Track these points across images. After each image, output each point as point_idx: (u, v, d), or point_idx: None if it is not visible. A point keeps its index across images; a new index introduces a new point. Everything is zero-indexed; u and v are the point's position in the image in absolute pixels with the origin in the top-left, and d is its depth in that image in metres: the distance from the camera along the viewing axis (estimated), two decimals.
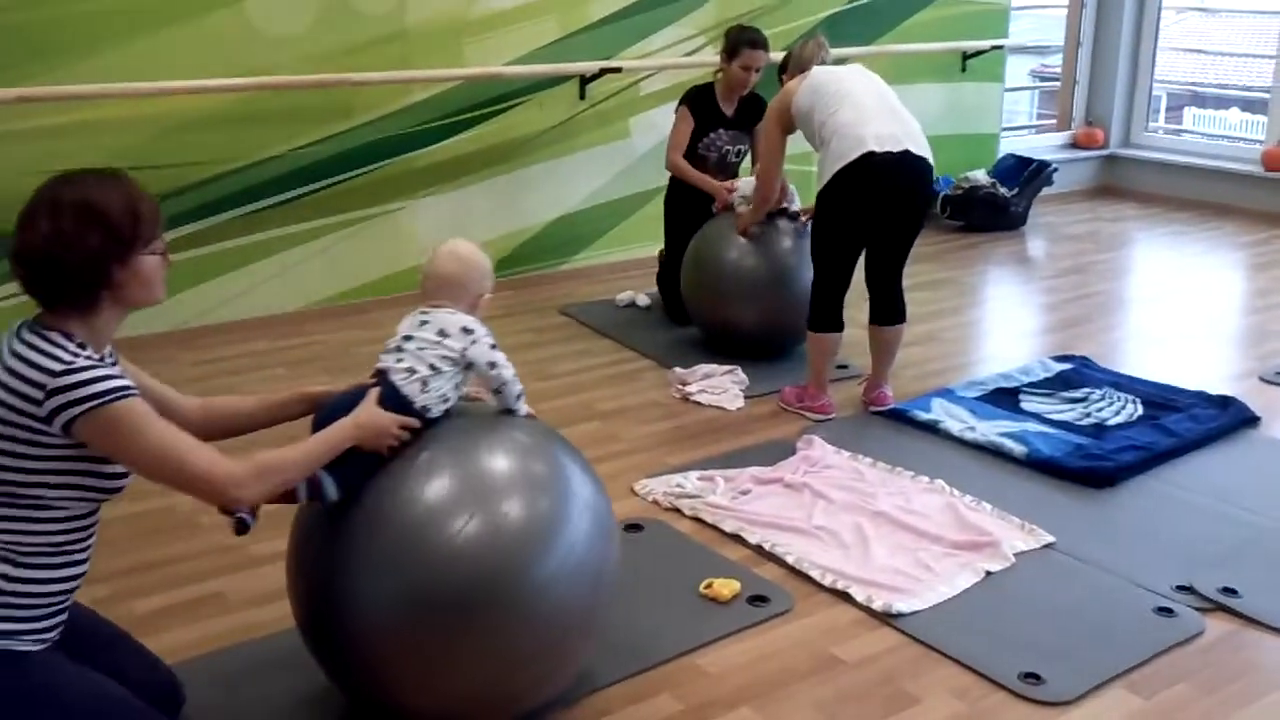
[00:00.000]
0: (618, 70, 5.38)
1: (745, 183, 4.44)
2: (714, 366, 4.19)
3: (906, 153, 3.60)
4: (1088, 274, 5.78)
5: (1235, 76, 11.22)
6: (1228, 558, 2.94)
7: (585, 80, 5.36)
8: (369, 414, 2.08)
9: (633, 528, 3.07)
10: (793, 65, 4.01)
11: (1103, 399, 3.97)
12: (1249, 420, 3.82)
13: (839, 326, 3.83)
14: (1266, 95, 7.14)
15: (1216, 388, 4.07)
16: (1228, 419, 3.79)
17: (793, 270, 4.23)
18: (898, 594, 2.73)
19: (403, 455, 2.12)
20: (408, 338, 2.19)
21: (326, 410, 2.13)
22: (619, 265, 5.62)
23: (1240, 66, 10.81)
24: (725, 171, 4.72)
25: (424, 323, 2.21)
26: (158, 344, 4.43)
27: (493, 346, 2.24)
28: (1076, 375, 4.21)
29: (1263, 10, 7.47)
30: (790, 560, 2.90)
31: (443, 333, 2.19)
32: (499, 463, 2.15)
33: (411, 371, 2.14)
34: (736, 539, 3.03)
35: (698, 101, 4.65)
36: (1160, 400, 3.94)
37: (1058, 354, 4.46)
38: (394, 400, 2.12)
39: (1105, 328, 4.95)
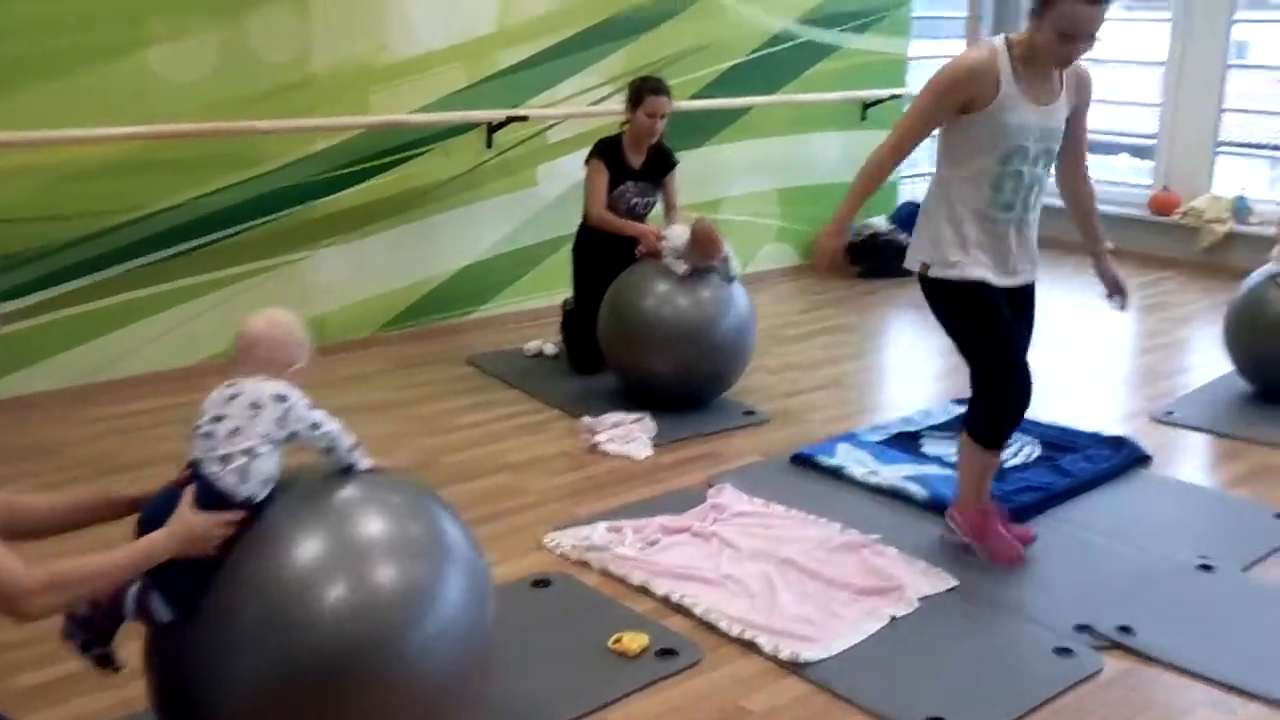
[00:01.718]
0: (524, 119, 5.40)
1: (674, 232, 4.41)
2: (622, 415, 4.20)
3: None
4: None
5: (1124, 124, 11.63)
6: (1124, 596, 3.01)
7: (492, 128, 5.37)
8: (183, 521, 1.95)
9: (541, 583, 3.04)
10: None
11: None
12: (1141, 459, 3.94)
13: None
14: (1153, 142, 7.43)
15: (1110, 428, 4.20)
16: (1121, 459, 3.91)
17: (711, 321, 4.25)
18: (804, 642, 2.75)
19: (269, 521, 2.03)
20: (217, 418, 2.04)
21: (149, 513, 2.01)
22: (527, 314, 5.61)
23: (1128, 114, 11.21)
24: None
25: (232, 397, 2.07)
26: (48, 403, 4.30)
27: (311, 407, 2.11)
28: None
29: (1148, 61, 7.78)
30: (698, 611, 2.90)
31: (255, 405, 2.05)
32: (370, 527, 2.06)
33: (226, 460, 2.00)
34: (644, 591, 3.02)
35: (607, 154, 4.68)
36: (1056, 441, 4.05)
37: (958, 397, 4.55)
38: (211, 497, 1.99)
39: None
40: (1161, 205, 7.15)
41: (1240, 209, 6.85)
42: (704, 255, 4.27)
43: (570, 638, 2.78)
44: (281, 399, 2.08)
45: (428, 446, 4.04)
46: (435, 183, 5.30)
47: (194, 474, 2.04)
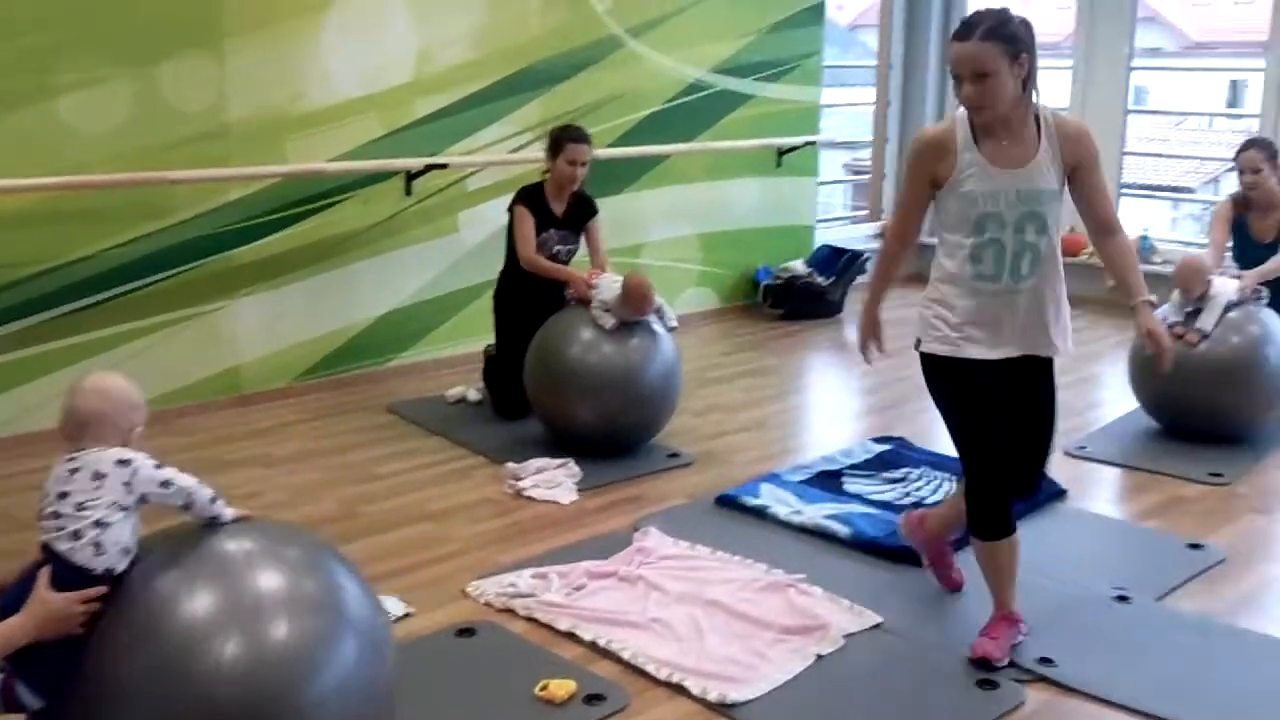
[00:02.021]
0: (444, 166, 5.40)
1: (605, 282, 4.35)
2: (547, 460, 4.19)
3: None
4: (903, 357, 5.95)
5: None
6: (1044, 628, 3.05)
7: (411, 176, 5.36)
8: (40, 604, 1.92)
9: (465, 632, 3.01)
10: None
11: (921, 478, 4.13)
12: (1057, 494, 4.02)
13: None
14: None
15: None
16: (1038, 494, 3.97)
17: (638, 369, 4.24)
18: (732, 683, 2.75)
19: (160, 577, 1.99)
20: (62, 495, 2.01)
21: (6, 602, 1.97)
22: (449, 360, 5.58)
23: None
24: None
25: (74, 471, 2.03)
26: None
27: (157, 466, 2.08)
28: (895, 456, 4.36)
29: (1053, 106, 8.03)
30: (626, 655, 2.89)
31: (98, 475, 2.02)
32: (263, 582, 2.03)
33: (77, 536, 1.97)
34: (571, 637, 3.00)
35: (530, 200, 4.69)
36: None
37: (877, 435, 4.62)
38: (68, 575, 1.96)
39: (921, 409, 5.14)
40: (1070, 246, 7.34)
41: (1144, 249, 7.07)
42: (635, 310, 4.26)
43: (496, 687, 2.75)
44: (124, 463, 2.04)
45: (348, 496, 3.98)
46: (354, 231, 5.27)
47: (47, 555, 2.00)
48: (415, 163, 5.33)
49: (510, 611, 3.14)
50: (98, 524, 1.99)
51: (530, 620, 3.10)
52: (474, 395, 5.03)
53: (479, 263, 5.49)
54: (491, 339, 4.96)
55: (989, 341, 2.87)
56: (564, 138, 4.66)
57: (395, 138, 5.30)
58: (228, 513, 2.13)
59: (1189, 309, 4.53)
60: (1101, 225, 2.94)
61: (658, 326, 4.34)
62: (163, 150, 4.62)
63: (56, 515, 2.00)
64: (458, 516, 3.84)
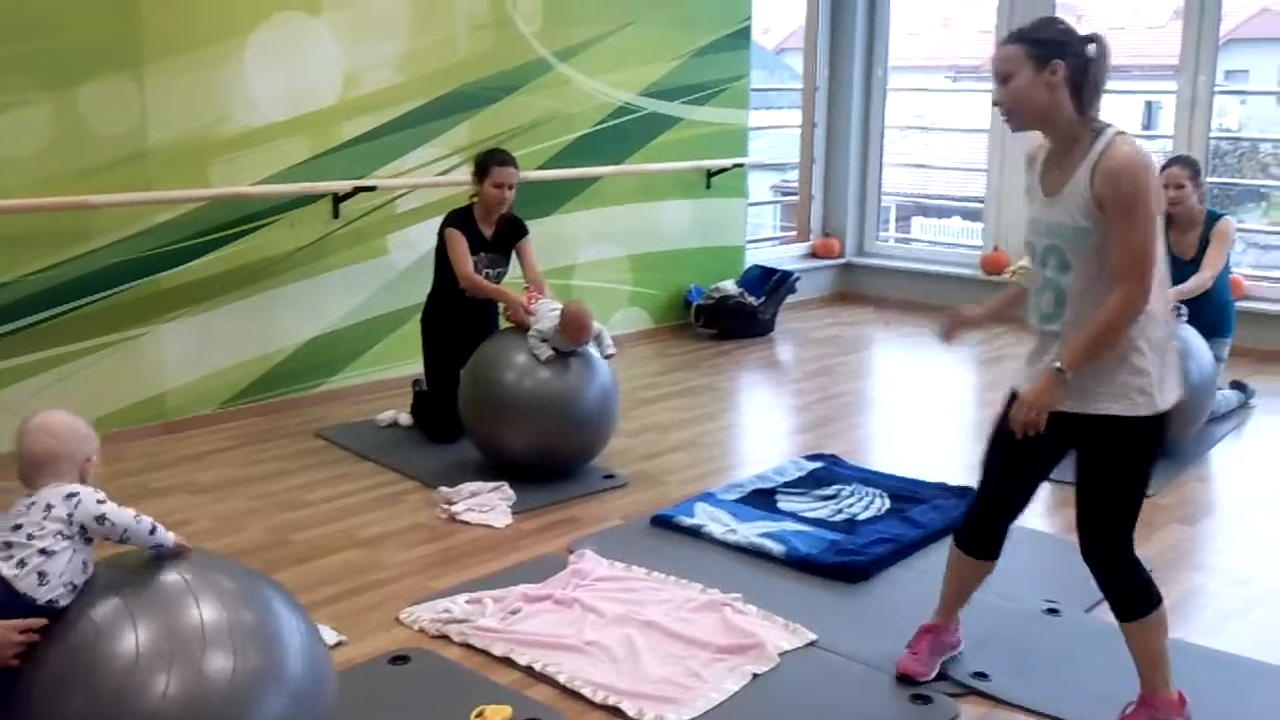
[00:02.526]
0: (372, 189, 5.36)
1: (543, 309, 4.32)
2: (480, 484, 4.15)
3: None
4: (833, 376, 6.09)
5: (955, 188, 12.22)
6: (977, 642, 3.09)
7: (339, 199, 5.31)
8: None
9: (399, 659, 2.97)
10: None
11: (853, 495, 4.16)
12: None
13: None
14: (982, 205, 7.80)
15: (955, 478, 4.34)
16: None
17: (574, 394, 4.22)
18: (668, 704, 2.75)
19: (89, 615, 1.97)
20: (16, 526, 2.05)
21: None
22: (380, 384, 5.53)
23: (959, 179, 11.77)
24: None
25: (30, 505, 2.08)
26: None
27: (100, 500, 2.10)
28: (827, 473, 4.40)
29: (974, 129, 8.19)
30: (562, 679, 2.87)
31: (48, 507, 2.06)
32: (201, 615, 2.01)
33: (23, 564, 2.00)
34: (507, 662, 2.98)
35: (460, 223, 4.67)
36: (905, 493, 4.16)
37: (809, 453, 4.66)
38: (9, 603, 1.97)
39: (851, 426, 5.21)
40: (992, 264, 7.50)
41: None
42: (573, 339, 4.24)
43: (430, 714, 2.72)
44: (71, 496, 2.09)
45: (277, 524, 3.92)
46: (281, 254, 5.20)
47: None
48: (343, 185, 5.28)
49: (444, 638, 3.10)
50: (42, 552, 2.01)
51: (465, 646, 3.06)
52: (405, 420, 4.98)
53: (409, 285, 5.45)
54: (422, 361, 4.91)
55: (1027, 383, 2.65)
56: (490, 161, 4.64)
57: (322, 160, 5.25)
58: (168, 538, 2.14)
59: None
60: (1103, 280, 2.50)
61: (594, 352, 4.33)
62: (83, 174, 4.53)
63: (7, 545, 2.04)
64: (390, 543, 3.79)
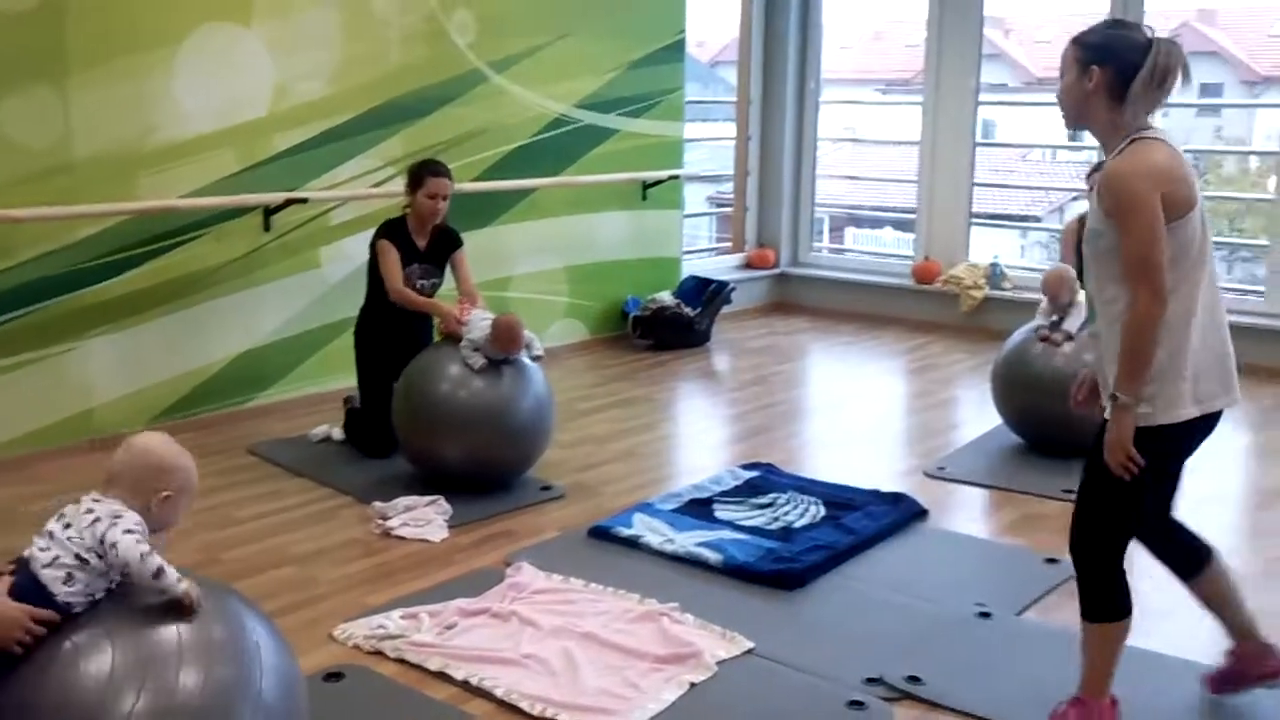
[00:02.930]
0: (304, 201, 5.30)
1: (475, 319, 4.32)
2: (415, 498, 4.12)
3: None
4: (768, 385, 6.13)
5: (887, 199, 12.38)
6: (911, 647, 3.13)
7: (270, 211, 5.25)
8: None
9: (333, 676, 2.93)
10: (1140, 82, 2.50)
11: (788, 503, 4.19)
12: (919, 514, 4.13)
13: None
14: (913, 216, 7.91)
15: (888, 485, 4.39)
16: (900, 514, 4.09)
17: (509, 404, 4.21)
18: (606, 716, 2.74)
19: (69, 631, 1.96)
20: (67, 524, 2.05)
21: None
22: (313, 399, 5.46)
23: (891, 190, 11.93)
24: None
25: (89, 510, 2.07)
26: None
27: (127, 531, 2.04)
28: (763, 482, 4.42)
29: (905, 141, 8.30)
30: (499, 693, 2.85)
31: (96, 520, 2.05)
32: (167, 631, 2.00)
33: (56, 560, 2.00)
34: (443, 677, 2.95)
35: (393, 235, 4.63)
36: (840, 500, 4.20)
37: (746, 462, 4.68)
38: (32, 591, 1.96)
39: (787, 435, 5.25)
40: (924, 274, 7.60)
41: (995, 275, 7.35)
42: (504, 349, 4.23)
43: None
44: (115, 517, 2.06)
45: (209, 542, 3.85)
46: (211, 268, 5.12)
47: (19, 568, 2.02)
48: (274, 198, 5.22)
49: (380, 654, 3.07)
50: (78, 558, 2.01)
51: (400, 662, 3.03)
52: (338, 434, 4.93)
53: (342, 298, 5.40)
54: (353, 383, 4.86)
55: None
56: (423, 172, 4.62)
57: (253, 173, 5.18)
58: (175, 585, 2.06)
59: (1054, 317, 4.78)
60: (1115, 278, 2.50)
61: (524, 358, 4.33)
62: (6, 187, 4.43)
63: (50, 535, 2.05)
64: (324, 559, 3.74)
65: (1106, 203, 2.47)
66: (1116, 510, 2.59)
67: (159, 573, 2.04)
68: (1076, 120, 2.60)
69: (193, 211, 5.01)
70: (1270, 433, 5.31)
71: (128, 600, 2.05)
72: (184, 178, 4.97)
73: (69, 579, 2.00)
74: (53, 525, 2.06)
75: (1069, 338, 4.69)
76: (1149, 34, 2.47)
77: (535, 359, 4.37)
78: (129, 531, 2.05)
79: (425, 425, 4.26)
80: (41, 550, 2.02)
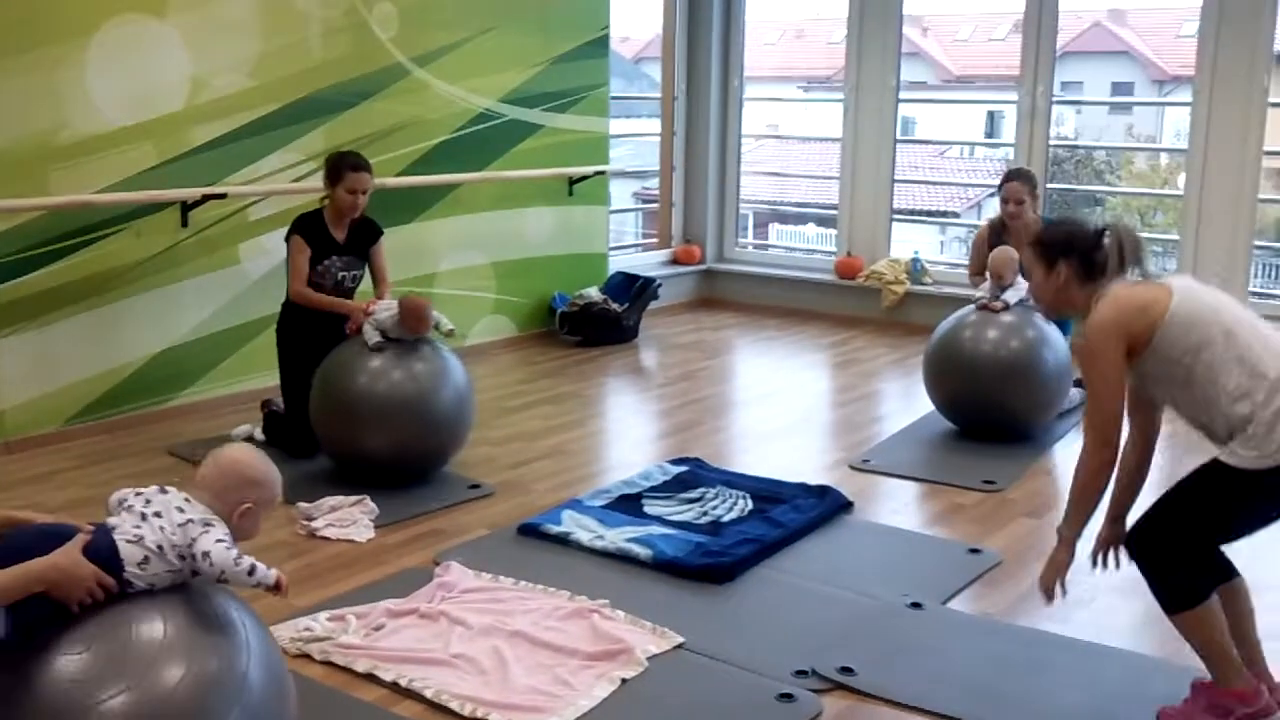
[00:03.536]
0: (223, 196, 5.20)
1: (382, 305, 4.34)
2: (341, 498, 4.07)
3: None
4: (696, 380, 6.16)
5: (809, 195, 12.51)
6: (842, 638, 3.16)
7: (188, 207, 5.14)
8: (71, 560, 1.96)
9: None
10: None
11: (717, 497, 4.21)
12: (845, 506, 4.18)
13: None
14: (836, 212, 7.99)
15: (814, 478, 4.43)
16: (826, 506, 4.13)
17: (428, 394, 4.20)
18: (537, 714, 2.73)
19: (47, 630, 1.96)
20: (156, 512, 2.12)
21: (12, 539, 2.00)
22: (234, 398, 5.36)
23: (813, 186, 12.06)
24: (342, 297, 4.65)
25: (180, 509, 2.15)
26: None
27: (218, 540, 2.14)
28: (692, 476, 4.44)
29: (827, 138, 8.39)
30: (429, 694, 2.83)
31: (189, 520, 2.13)
32: (155, 627, 2.01)
33: (140, 540, 2.06)
34: (371, 678, 2.92)
35: (308, 229, 4.57)
36: (767, 494, 4.23)
37: (674, 458, 4.70)
38: (106, 555, 2.00)
39: (715, 429, 5.28)
40: (846, 269, 7.69)
41: (915, 270, 7.46)
42: (412, 329, 4.24)
43: None
44: (207, 525, 2.15)
45: None
46: (127, 265, 5.00)
47: (98, 531, 2.06)
48: (192, 193, 5.11)
49: (306, 656, 3.03)
50: (159, 547, 2.07)
51: (328, 664, 2.99)
52: (260, 435, 4.84)
53: (263, 295, 5.31)
54: (275, 381, 4.78)
55: None
56: (343, 166, 4.55)
57: (170, 167, 5.07)
58: (270, 577, 2.19)
59: (996, 293, 4.97)
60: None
61: (436, 337, 4.33)
62: None
63: (142, 515, 2.11)
64: None
65: (1081, 356, 2.71)
66: (1185, 525, 2.63)
67: (252, 570, 2.16)
68: (1056, 311, 2.85)
69: (108, 207, 4.88)
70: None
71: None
72: (99, 172, 4.84)
73: (145, 561, 2.05)
74: (136, 503, 2.13)
75: (1007, 306, 4.87)
76: (1095, 224, 2.74)
77: (448, 334, 4.38)
78: (220, 541, 2.14)
79: (345, 419, 4.23)
80: (132, 525, 2.07)
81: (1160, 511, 2.66)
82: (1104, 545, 2.83)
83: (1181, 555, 2.61)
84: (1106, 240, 2.69)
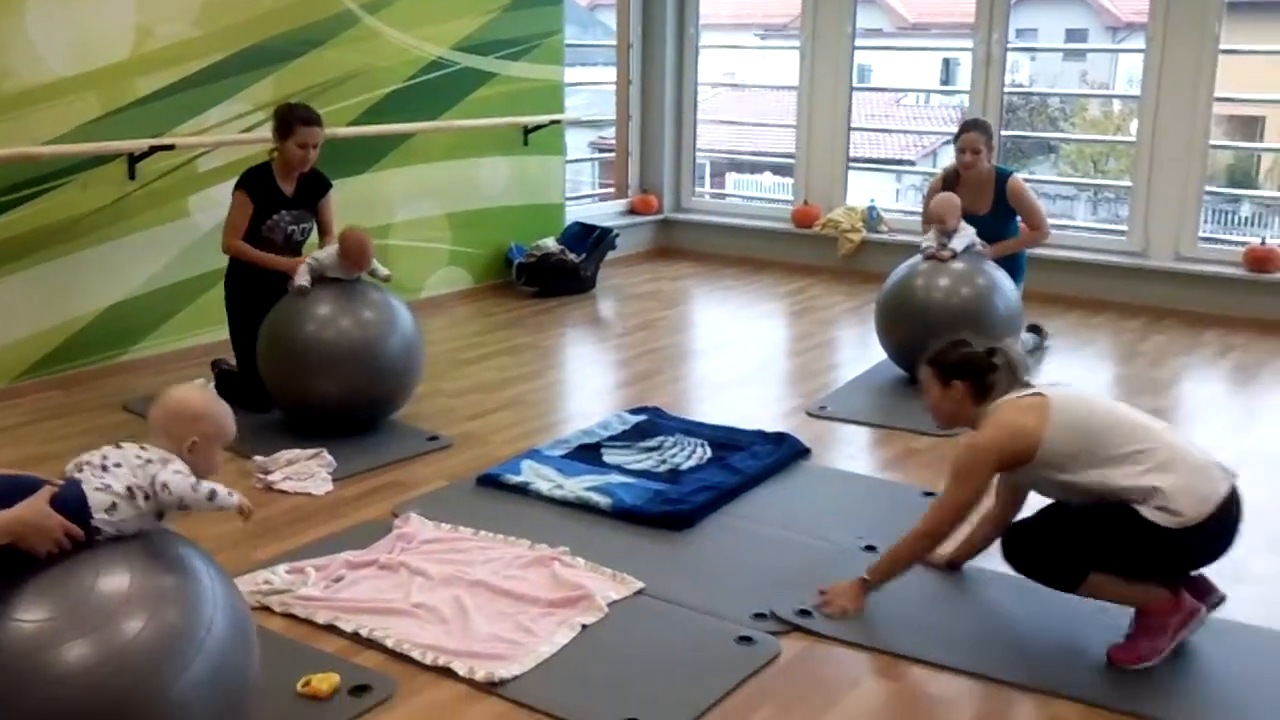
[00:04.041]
0: (170, 147, 5.11)
1: (325, 252, 4.34)
2: (298, 451, 4.05)
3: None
4: (654, 330, 6.16)
5: (766, 144, 12.47)
6: (799, 582, 3.19)
7: (135, 159, 5.04)
8: (37, 511, 1.97)
9: None
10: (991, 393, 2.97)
11: (675, 445, 4.23)
12: (802, 452, 4.21)
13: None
14: (793, 160, 7.98)
15: (772, 425, 4.46)
16: (784, 453, 4.16)
17: (375, 341, 4.20)
18: (499, 661, 2.75)
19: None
20: (116, 464, 2.15)
21: None
22: (188, 352, 5.31)
23: (769, 135, 12.02)
24: (291, 251, 4.59)
25: (138, 455, 2.19)
26: None
27: (177, 472, 2.19)
28: (651, 425, 4.45)
29: (784, 86, 8.36)
30: (390, 643, 2.84)
31: (148, 461, 2.18)
32: (115, 579, 2.01)
33: (107, 488, 2.09)
34: (332, 629, 2.92)
35: (255, 183, 4.50)
36: (725, 441, 4.26)
37: (633, 407, 4.71)
38: (75, 506, 2.01)
39: (673, 378, 5.30)
40: (803, 218, 7.70)
41: (871, 219, 7.48)
42: (354, 264, 4.26)
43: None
44: (165, 461, 2.19)
45: None
46: (74, 218, 4.91)
47: (66, 484, 2.09)
48: (138, 144, 5.01)
49: (266, 609, 3.02)
50: (128, 490, 2.10)
51: (288, 616, 2.99)
52: (214, 391, 4.79)
53: (214, 248, 5.17)
54: (228, 336, 4.74)
55: None
56: (293, 119, 4.47)
57: (115, 118, 4.97)
58: (231, 501, 2.25)
59: (943, 239, 4.96)
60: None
61: (370, 280, 4.35)
62: None
63: (102, 466, 2.13)
64: (205, 515, 3.58)
65: (956, 464, 2.94)
66: (1090, 564, 2.82)
67: (212, 495, 2.20)
68: (951, 424, 3.08)
69: (53, 159, 4.78)
70: (1133, 365, 5.54)
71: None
72: (42, 124, 4.74)
73: (113, 508, 2.07)
74: (95, 459, 2.14)
75: (954, 255, 4.87)
76: (984, 346, 2.98)
77: (385, 280, 4.39)
78: (178, 472, 2.18)
79: (294, 369, 4.24)
80: (95, 475, 2.10)
81: (1054, 537, 2.86)
82: (933, 565, 3.22)
83: (1074, 570, 2.83)
84: (997, 362, 2.94)
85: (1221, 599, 2.93)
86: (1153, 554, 2.76)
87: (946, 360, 3.02)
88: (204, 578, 2.14)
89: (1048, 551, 2.86)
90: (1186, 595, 2.83)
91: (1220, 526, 2.76)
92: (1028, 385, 2.96)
